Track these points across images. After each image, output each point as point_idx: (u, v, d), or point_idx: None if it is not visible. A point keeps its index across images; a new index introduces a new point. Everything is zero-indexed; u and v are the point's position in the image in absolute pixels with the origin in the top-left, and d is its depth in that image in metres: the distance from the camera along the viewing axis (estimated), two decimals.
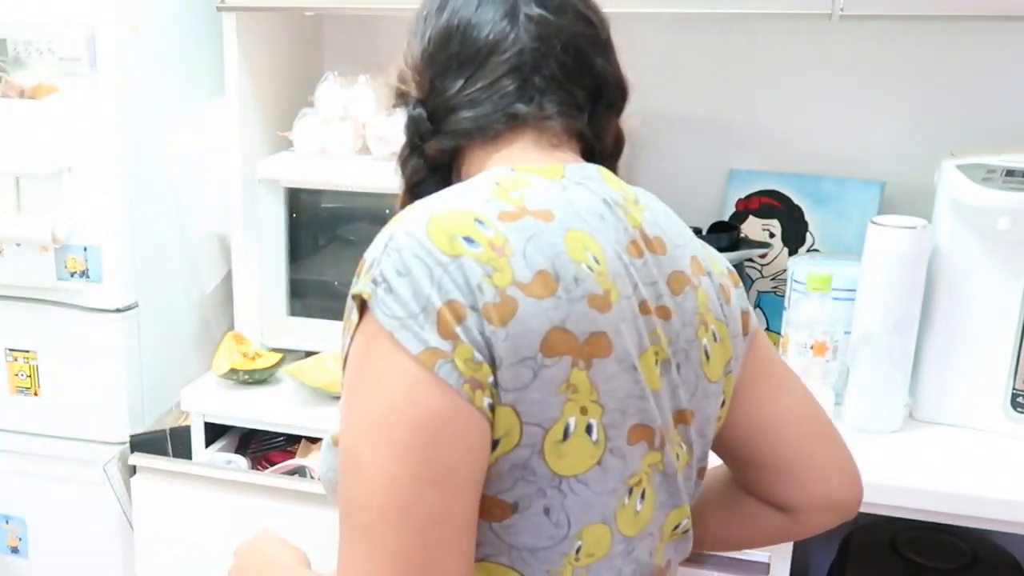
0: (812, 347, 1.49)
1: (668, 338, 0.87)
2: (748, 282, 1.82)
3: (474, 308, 0.76)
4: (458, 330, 0.75)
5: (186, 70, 1.91)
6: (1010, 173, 1.48)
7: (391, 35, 2.03)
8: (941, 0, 1.51)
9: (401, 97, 0.98)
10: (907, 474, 1.44)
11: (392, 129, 1.68)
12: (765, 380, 1.00)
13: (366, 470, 0.75)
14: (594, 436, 0.81)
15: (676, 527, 0.93)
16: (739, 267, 1.73)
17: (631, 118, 1.04)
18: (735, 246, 1.73)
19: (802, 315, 1.51)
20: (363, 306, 0.78)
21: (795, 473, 1.01)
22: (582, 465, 0.81)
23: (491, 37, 0.92)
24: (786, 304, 1.66)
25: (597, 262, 0.82)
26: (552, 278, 0.79)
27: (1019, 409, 1.52)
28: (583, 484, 0.82)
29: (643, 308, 0.85)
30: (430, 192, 0.88)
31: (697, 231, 1.75)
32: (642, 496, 0.87)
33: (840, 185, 1.82)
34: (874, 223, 1.53)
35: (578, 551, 0.84)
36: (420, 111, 0.95)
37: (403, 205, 0.92)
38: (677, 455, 0.90)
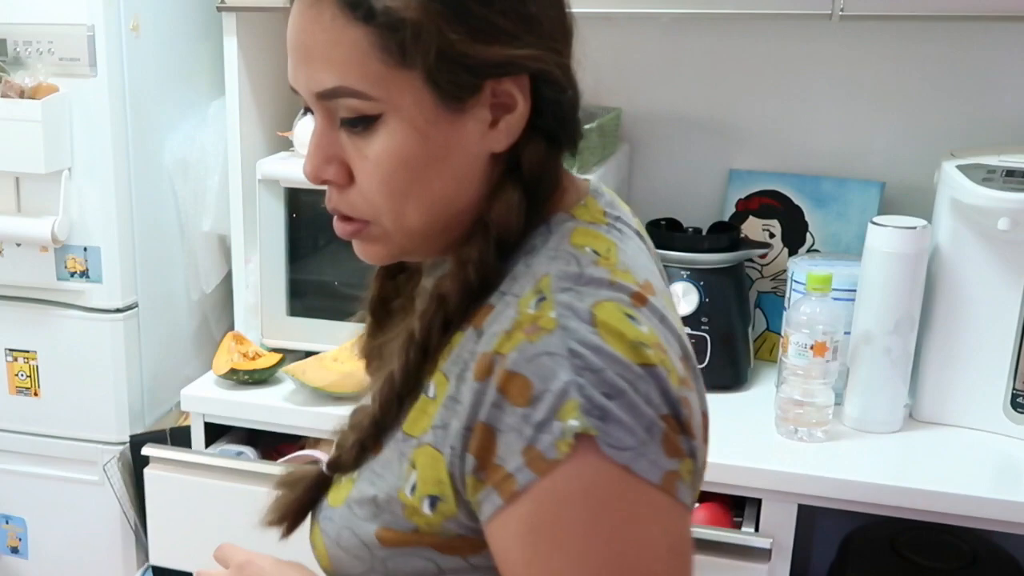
0: (812, 347, 1.49)
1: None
2: (748, 282, 1.82)
3: (677, 417, 0.70)
4: (680, 444, 0.69)
5: (186, 70, 1.91)
6: (1010, 173, 1.48)
7: None
8: (941, 0, 1.51)
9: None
10: (907, 474, 1.44)
11: None
12: None
13: None
14: None
15: None
16: (739, 267, 1.73)
17: None
18: (735, 246, 1.73)
19: (802, 315, 1.51)
20: (572, 441, 0.66)
21: None
22: None
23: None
24: (786, 304, 1.66)
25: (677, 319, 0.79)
26: (689, 362, 0.76)
27: (1019, 409, 1.52)
28: None
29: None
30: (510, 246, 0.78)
31: (697, 231, 1.76)
32: None
33: (840, 185, 1.82)
34: (874, 223, 1.53)
35: None
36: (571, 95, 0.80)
37: (480, 270, 0.76)
38: None
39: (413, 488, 0.75)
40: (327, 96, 0.74)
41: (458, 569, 0.76)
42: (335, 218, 0.79)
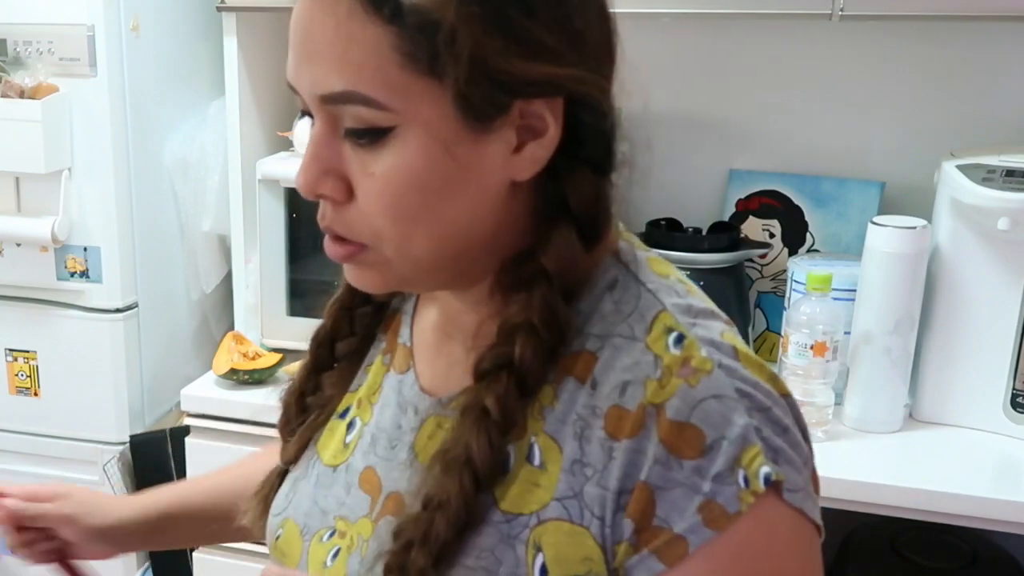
0: (812, 347, 1.49)
1: None
2: (748, 282, 1.82)
3: (810, 445, 0.67)
4: (816, 474, 0.67)
5: (186, 70, 1.91)
6: (1010, 173, 1.48)
7: None
8: (941, 0, 1.51)
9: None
10: (907, 474, 1.44)
11: None
12: None
13: None
14: None
15: None
16: (739, 267, 1.73)
17: None
18: (735, 246, 1.73)
19: (802, 315, 1.51)
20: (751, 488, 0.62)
21: None
22: None
23: None
24: (786, 304, 1.66)
25: None
26: None
27: (1019, 409, 1.52)
28: None
29: None
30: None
31: (697, 231, 1.76)
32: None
33: (840, 185, 1.82)
34: (874, 223, 1.53)
35: None
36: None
37: (552, 324, 0.67)
38: None
39: (543, 572, 0.65)
40: (333, 101, 0.64)
41: None
42: (327, 238, 0.69)
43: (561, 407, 0.67)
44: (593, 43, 0.68)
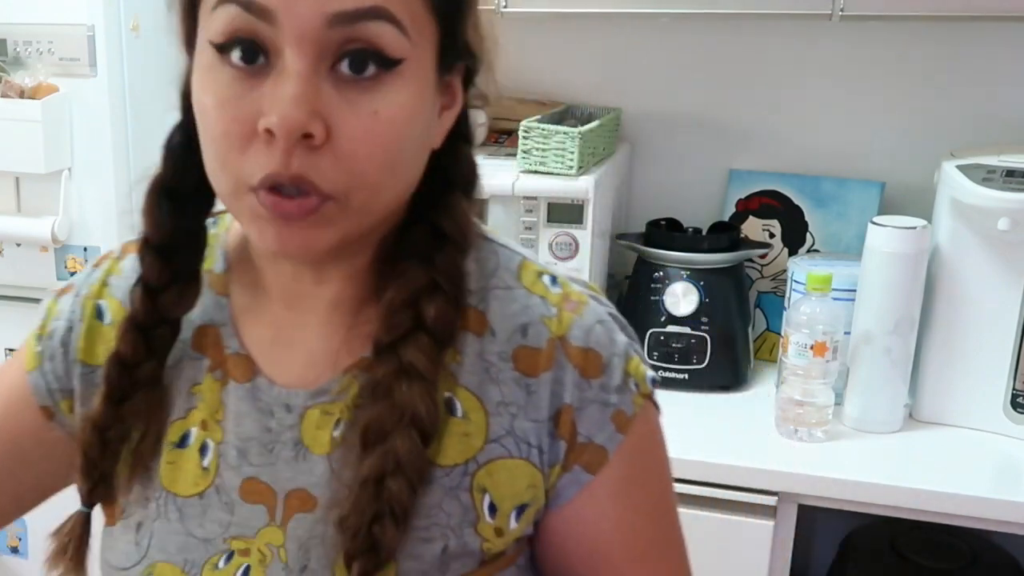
0: (812, 347, 1.49)
1: None
2: (748, 282, 1.82)
3: None
4: None
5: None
6: (1010, 173, 1.48)
7: None
8: (941, 0, 1.51)
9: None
10: (907, 474, 1.44)
11: None
12: None
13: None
14: None
15: None
16: (739, 267, 1.73)
17: None
18: (735, 246, 1.73)
19: (802, 315, 1.51)
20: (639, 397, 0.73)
21: None
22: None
23: None
24: (786, 304, 1.66)
25: None
26: None
27: (1019, 409, 1.52)
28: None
29: None
30: None
31: (697, 231, 1.76)
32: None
33: (840, 185, 1.82)
34: (874, 223, 1.53)
35: None
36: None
37: (460, 284, 0.72)
38: None
39: (492, 510, 0.70)
40: (354, 18, 0.59)
41: None
42: (276, 196, 0.61)
43: (467, 360, 0.71)
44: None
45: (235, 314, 0.76)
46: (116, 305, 0.78)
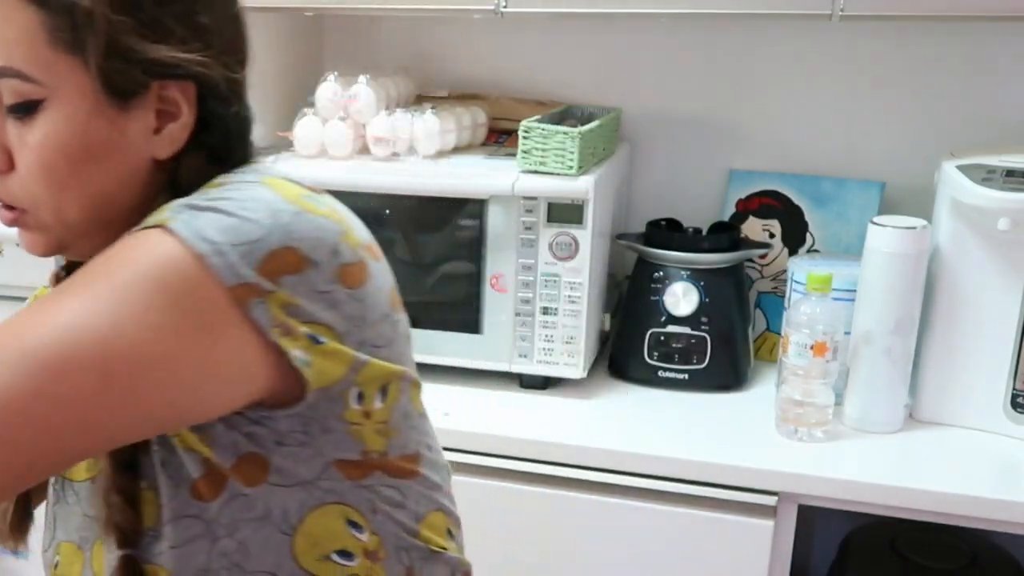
0: (812, 347, 1.49)
1: None
2: (748, 282, 1.82)
3: None
4: None
5: None
6: (1010, 173, 1.48)
7: (391, 35, 2.04)
8: (941, 0, 1.51)
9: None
10: (907, 474, 1.44)
11: (392, 129, 1.69)
12: None
13: None
14: None
15: None
16: (739, 267, 1.73)
17: None
18: (735, 246, 1.73)
19: (802, 315, 1.51)
20: None
21: None
22: None
23: None
24: (786, 304, 1.66)
25: None
26: None
27: (1019, 409, 1.52)
28: None
29: None
30: None
31: (697, 231, 1.76)
32: None
33: (840, 185, 1.82)
34: (874, 223, 1.53)
35: None
36: None
37: None
38: None
39: (194, 455, 0.77)
40: None
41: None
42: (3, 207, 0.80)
43: None
44: (220, 40, 0.79)
45: None
46: None
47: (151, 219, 0.72)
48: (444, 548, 0.86)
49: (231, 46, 0.82)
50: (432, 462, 0.86)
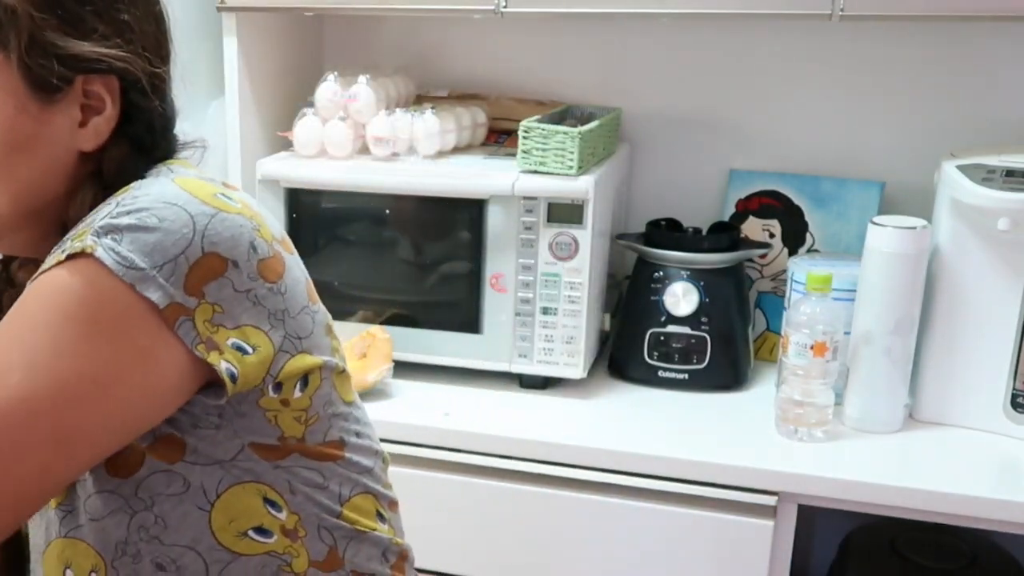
0: (812, 347, 1.49)
1: None
2: (748, 282, 1.82)
3: None
4: None
5: (185, 70, 1.90)
6: (1010, 173, 1.48)
7: (391, 35, 2.04)
8: (941, 0, 1.51)
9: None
10: (907, 474, 1.44)
11: (392, 129, 1.69)
12: None
13: None
14: None
15: None
16: (739, 267, 1.73)
17: None
18: (735, 246, 1.73)
19: (802, 315, 1.51)
20: None
21: None
22: None
23: None
24: (786, 304, 1.66)
25: None
26: None
27: (1019, 409, 1.52)
28: None
29: None
30: None
31: (697, 231, 1.76)
32: None
33: (840, 185, 1.82)
34: (874, 223, 1.53)
35: None
36: None
37: None
38: None
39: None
40: None
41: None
42: None
43: None
44: (142, 36, 0.84)
45: None
46: None
47: (74, 243, 0.73)
48: (372, 528, 0.87)
49: (153, 42, 0.86)
50: (360, 447, 0.87)
